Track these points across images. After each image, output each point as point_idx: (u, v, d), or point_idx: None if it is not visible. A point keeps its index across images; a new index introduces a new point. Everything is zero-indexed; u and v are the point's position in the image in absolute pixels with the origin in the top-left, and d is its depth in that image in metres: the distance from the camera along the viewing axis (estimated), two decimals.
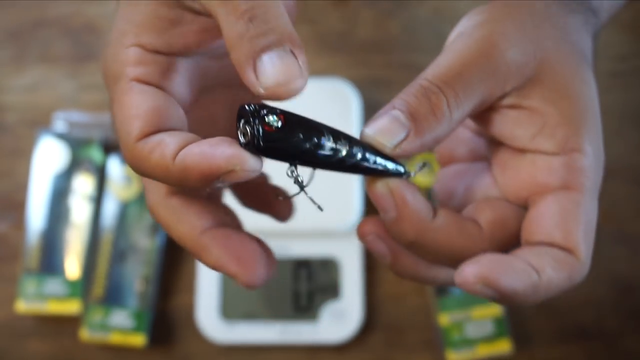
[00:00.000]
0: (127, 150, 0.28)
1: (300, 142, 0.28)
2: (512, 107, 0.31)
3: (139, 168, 0.29)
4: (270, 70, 0.27)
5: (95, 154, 0.64)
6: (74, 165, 0.64)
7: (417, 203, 0.30)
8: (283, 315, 0.60)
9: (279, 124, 0.27)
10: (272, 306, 0.61)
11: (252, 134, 0.27)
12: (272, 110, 0.27)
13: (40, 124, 0.66)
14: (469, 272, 0.28)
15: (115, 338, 0.59)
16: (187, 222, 0.31)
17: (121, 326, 0.59)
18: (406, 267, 0.33)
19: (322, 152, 0.28)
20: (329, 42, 0.69)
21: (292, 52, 0.28)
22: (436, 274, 0.33)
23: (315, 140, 0.28)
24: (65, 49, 0.68)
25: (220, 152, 0.27)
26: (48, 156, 0.63)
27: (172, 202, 0.31)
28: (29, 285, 0.60)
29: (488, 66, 0.30)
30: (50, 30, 0.69)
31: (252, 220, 0.60)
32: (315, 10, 0.69)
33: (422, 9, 0.70)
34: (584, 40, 0.32)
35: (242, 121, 0.28)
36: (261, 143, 0.27)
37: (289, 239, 0.61)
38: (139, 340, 0.59)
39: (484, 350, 0.58)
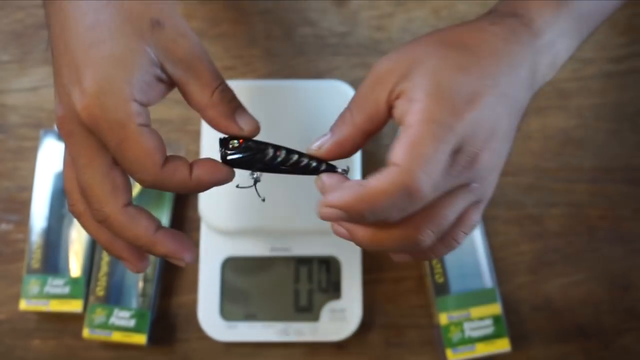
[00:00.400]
0: (154, 175, 0.40)
1: (250, 154, 0.43)
2: (397, 97, 0.40)
3: (163, 186, 0.41)
4: (247, 120, 0.43)
5: None
6: None
7: (332, 180, 0.42)
8: (284, 315, 0.61)
9: (237, 145, 0.43)
10: (273, 305, 0.61)
11: (222, 152, 0.42)
12: (234, 138, 0.43)
13: (43, 125, 0.66)
14: (321, 204, 0.39)
15: (117, 338, 0.60)
16: (143, 224, 0.42)
17: (123, 326, 0.60)
18: (362, 238, 0.41)
19: (267, 159, 0.43)
20: (328, 44, 0.69)
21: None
22: (382, 236, 0.41)
23: (261, 152, 0.43)
24: None
25: (222, 168, 0.42)
26: (51, 156, 0.64)
27: (129, 210, 0.42)
28: (32, 285, 0.61)
29: (371, 80, 0.41)
30: None
31: (254, 222, 0.60)
32: (315, 11, 0.70)
33: (421, 10, 0.70)
34: (476, 39, 0.42)
35: (219, 147, 0.43)
36: (227, 157, 0.42)
37: (290, 239, 0.62)
38: (140, 340, 0.60)
39: (483, 349, 0.59)
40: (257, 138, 0.44)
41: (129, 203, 0.42)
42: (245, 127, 0.43)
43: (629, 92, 0.68)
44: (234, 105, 0.43)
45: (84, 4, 0.39)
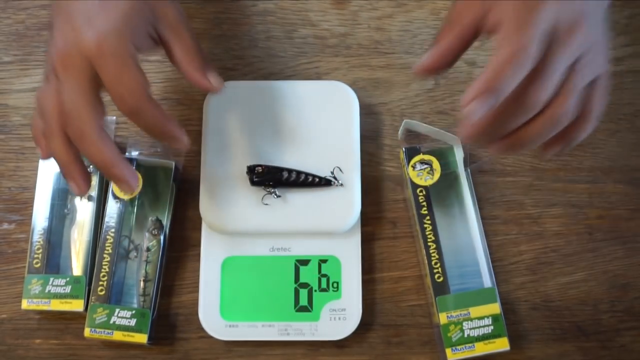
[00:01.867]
0: (139, 100, 0.50)
1: (270, 176, 0.60)
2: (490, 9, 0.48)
3: (141, 115, 0.50)
4: (215, 77, 0.55)
5: None
6: None
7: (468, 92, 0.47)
8: (284, 314, 0.61)
9: (260, 170, 0.60)
10: (273, 305, 0.61)
11: (250, 176, 0.60)
12: (258, 166, 0.60)
13: None
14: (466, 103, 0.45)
15: (118, 337, 0.60)
16: (110, 145, 0.51)
17: (124, 325, 0.60)
18: (530, 136, 0.48)
19: (282, 179, 0.60)
20: (329, 44, 0.69)
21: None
22: (535, 127, 0.47)
23: (278, 174, 0.60)
24: None
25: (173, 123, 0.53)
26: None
27: (102, 132, 0.50)
28: (33, 285, 0.61)
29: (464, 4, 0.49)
30: None
31: (257, 223, 0.61)
32: (315, 12, 0.70)
33: (421, 11, 0.70)
34: None
35: (247, 173, 0.61)
36: (254, 179, 0.60)
37: (290, 239, 0.62)
38: (141, 339, 0.60)
39: (483, 348, 0.59)
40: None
41: (102, 126, 0.51)
42: (213, 82, 0.55)
43: (628, 92, 0.68)
44: (205, 64, 0.55)
45: None
